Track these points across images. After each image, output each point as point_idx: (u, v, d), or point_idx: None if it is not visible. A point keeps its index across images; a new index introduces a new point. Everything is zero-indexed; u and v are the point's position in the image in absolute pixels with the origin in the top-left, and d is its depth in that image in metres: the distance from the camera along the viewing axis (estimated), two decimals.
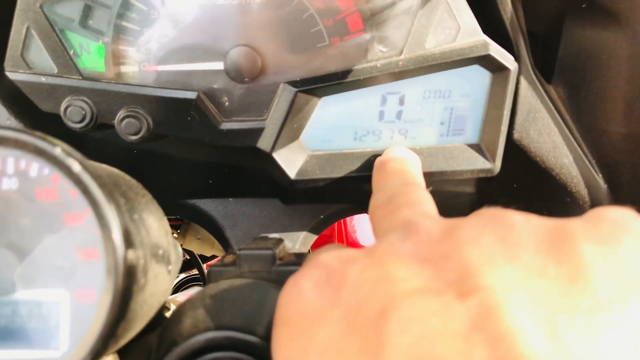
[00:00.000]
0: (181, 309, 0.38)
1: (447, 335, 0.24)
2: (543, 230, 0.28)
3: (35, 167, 0.33)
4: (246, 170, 0.61)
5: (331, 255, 0.33)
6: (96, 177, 0.31)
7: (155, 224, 0.38)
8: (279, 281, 0.41)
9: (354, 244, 1.27)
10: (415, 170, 0.48)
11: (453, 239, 0.29)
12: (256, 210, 0.64)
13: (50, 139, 0.32)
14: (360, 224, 1.33)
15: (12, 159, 0.33)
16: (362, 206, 0.66)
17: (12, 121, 0.57)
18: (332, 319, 0.29)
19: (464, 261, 0.27)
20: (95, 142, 0.58)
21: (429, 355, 0.24)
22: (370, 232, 1.17)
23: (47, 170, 0.33)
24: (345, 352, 0.27)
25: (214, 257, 1.34)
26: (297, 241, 0.62)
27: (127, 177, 0.41)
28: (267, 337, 0.34)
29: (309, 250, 0.65)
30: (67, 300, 0.33)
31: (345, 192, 0.62)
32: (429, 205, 0.38)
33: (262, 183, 0.62)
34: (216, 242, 0.85)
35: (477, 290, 0.25)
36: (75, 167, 0.31)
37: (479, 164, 0.55)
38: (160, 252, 0.38)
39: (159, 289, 0.38)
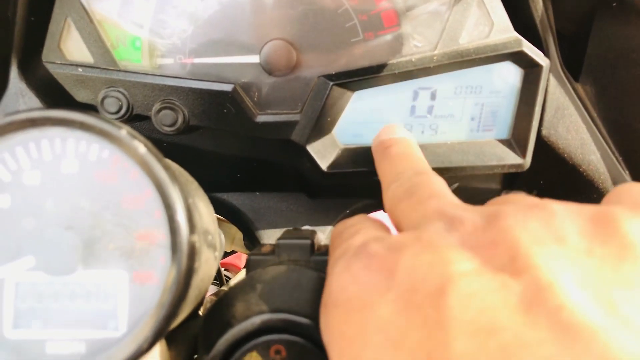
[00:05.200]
0: (230, 294, 0.38)
1: (508, 308, 0.25)
2: (584, 215, 0.30)
3: (96, 149, 0.33)
4: (274, 165, 0.62)
5: (378, 244, 0.34)
6: (160, 160, 0.32)
7: (204, 210, 0.39)
8: (318, 269, 0.42)
9: None
10: (419, 152, 0.48)
11: (498, 227, 0.30)
12: (283, 204, 0.64)
13: (114, 121, 0.32)
14: None
15: (73, 142, 0.33)
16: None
17: None
18: (388, 298, 0.30)
19: (514, 245, 0.28)
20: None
21: (492, 326, 0.24)
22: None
23: (107, 152, 0.33)
24: (405, 328, 0.28)
25: (233, 252, 1.34)
26: (324, 235, 0.62)
27: (174, 163, 0.41)
28: (316, 320, 0.35)
29: None
30: (126, 281, 0.33)
31: (371, 187, 0.63)
32: (451, 193, 0.39)
33: (289, 177, 0.63)
34: (236, 237, 0.85)
35: (531, 269, 0.26)
36: (141, 148, 0.31)
37: (509, 159, 0.56)
38: (210, 237, 0.38)
39: (208, 274, 0.39)
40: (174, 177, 0.32)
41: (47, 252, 0.33)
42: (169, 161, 0.38)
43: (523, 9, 0.55)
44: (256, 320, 0.35)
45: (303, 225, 0.64)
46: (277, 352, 0.34)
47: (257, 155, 0.61)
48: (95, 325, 0.33)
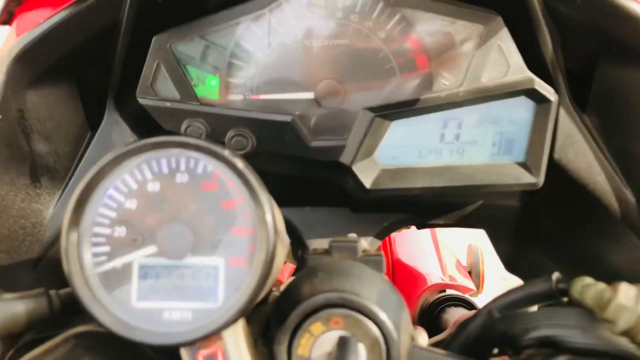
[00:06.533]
0: (297, 280, 0.49)
1: None
2: None
3: (201, 165, 0.44)
4: (322, 183, 0.72)
5: None
6: (253, 172, 0.43)
7: (277, 214, 0.50)
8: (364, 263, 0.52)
9: (397, 261, 1.37)
10: None
11: None
12: (329, 217, 0.75)
13: (219, 144, 0.43)
14: (400, 242, 1.44)
15: (184, 159, 0.45)
16: (418, 216, 0.77)
17: (135, 139, 0.69)
18: None
19: None
20: None
21: None
22: (408, 250, 1.27)
23: (211, 167, 0.44)
24: None
25: None
26: (366, 241, 0.72)
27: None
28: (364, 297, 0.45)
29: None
30: (223, 265, 0.44)
31: (406, 203, 0.73)
32: None
33: (335, 194, 0.73)
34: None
35: None
36: (240, 164, 0.43)
37: (525, 178, 0.66)
38: (281, 234, 0.49)
39: (279, 264, 0.49)
40: (263, 187, 0.43)
41: (165, 242, 0.44)
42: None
43: (536, 51, 0.65)
44: (320, 298, 0.45)
45: (346, 234, 0.74)
46: (336, 322, 0.45)
47: (307, 175, 0.71)
48: (199, 298, 0.44)
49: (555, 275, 0.51)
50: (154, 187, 0.45)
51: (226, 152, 0.43)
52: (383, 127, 0.66)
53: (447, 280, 1.30)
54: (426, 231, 1.53)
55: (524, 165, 0.67)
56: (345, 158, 0.65)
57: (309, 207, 0.75)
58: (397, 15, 0.63)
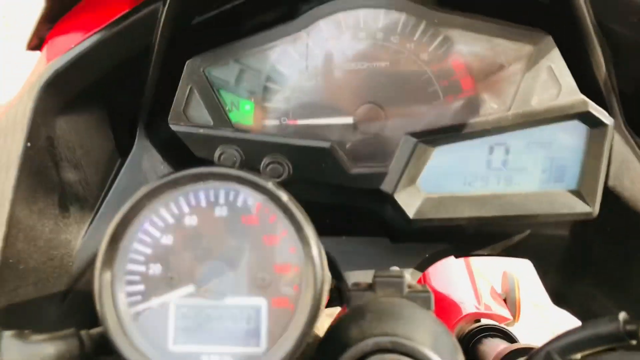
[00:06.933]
0: (344, 321, 0.45)
1: None
2: None
3: (242, 197, 0.41)
4: (359, 211, 0.69)
5: None
6: (298, 207, 0.40)
7: (321, 248, 0.46)
8: (413, 302, 0.48)
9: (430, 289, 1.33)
10: None
11: None
12: (367, 248, 0.71)
13: (262, 175, 0.40)
14: (433, 268, 1.39)
15: (223, 192, 0.42)
16: (462, 247, 0.73)
17: (166, 166, 0.67)
18: None
19: None
20: None
21: None
22: (441, 276, 1.22)
23: (252, 200, 0.41)
24: None
25: None
26: (409, 275, 0.68)
27: None
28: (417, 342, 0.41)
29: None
30: (266, 306, 0.41)
31: (449, 233, 0.69)
32: None
33: (373, 223, 0.70)
34: None
35: None
36: (284, 197, 0.39)
37: (579, 207, 0.62)
38: (325, 271, 0.46)
39: (324, 304, 0.46)
40: (309, 221, 0.39)
41: (203, 281, 0.41)
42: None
43: (588, 72, 0.61)
44: (370, 342, 0.41)
45: (385, 266, 0.70)
46: None
47: (344, 202, 0.68)
48: (240, 342, 0.40)
49: (622, 316, 0.46)
50: (191, 221, 0.42)
51: (270, 184, 0.40)
52: (426, 153, 0.62)
53: (482, 309, 1.25)
54: None
55: (577, 193, 0.63)
56: (386, 186, 0.62)
57: (346, 237, 0.71)
58: (441, 35, 0.60)
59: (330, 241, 0.71)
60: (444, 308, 1.27)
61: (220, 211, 0.42)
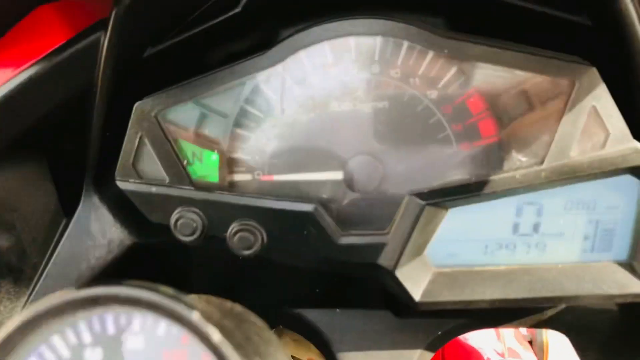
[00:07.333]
0: None
1: None
2: None
3: (163, 326, 0.29)
4: (356, 280, 0.56)
5: None
6: (236, 345, 0.27)
7: None
8: None
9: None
10: None
11: None
12: (365, 323, 0.58)
13: (186, 299, 0.28)
14: None
15: (139, 316, 0.29)
16: (482, 322, 0.59)
17: (117, 228, 0.55)
18: None
19: None
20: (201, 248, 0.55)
21: None
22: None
23: (175, 330, 0.29)
24: None
25: None
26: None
27: (252, 316, 0.37)
28: None
29: None
30: None
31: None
32: None
33: (373, 293, 0.57)
34: (312, 346, 0.80)
35: None
36: (216, 336, 0.27)
37: (633, 286, 0.48)
38: None
39: None
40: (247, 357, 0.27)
41: None
42: (241, 315, 0.34)
43: (637, 112, 0.48)
44: None
45: (387, 348, 0.57)
46: None
47: (337, 271, 0.55)
48: None
49: None
50: (93, 356, 0.29)
51: (194, 316, 0.27)
52: (437, 217, 0.49)
53: (506, 354, 1.14)
54: None
55: (629, 266, 0.49)
56: (385, 260, 0.49)
57: (340, 310, 0.59)
58: (453, 68, 0.48)
59: (320, 314, 0.59)
60: (462, 354, 1.15)
61: (134, 342, 0.29)
